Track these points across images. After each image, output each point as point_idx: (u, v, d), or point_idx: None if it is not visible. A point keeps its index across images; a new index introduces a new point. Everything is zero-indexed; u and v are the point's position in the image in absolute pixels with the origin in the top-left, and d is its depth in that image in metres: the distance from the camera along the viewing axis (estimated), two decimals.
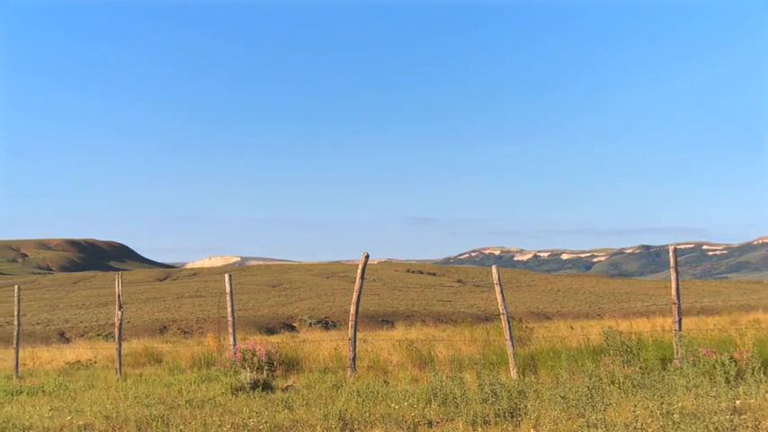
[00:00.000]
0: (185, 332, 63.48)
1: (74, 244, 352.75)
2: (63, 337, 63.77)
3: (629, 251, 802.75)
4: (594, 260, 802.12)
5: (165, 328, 68.54)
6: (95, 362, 24.59)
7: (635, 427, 9.35)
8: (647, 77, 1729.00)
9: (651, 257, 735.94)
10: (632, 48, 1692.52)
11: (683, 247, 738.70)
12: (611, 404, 11.05)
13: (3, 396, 16.27)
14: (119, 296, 20.24)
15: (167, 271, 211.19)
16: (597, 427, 9.49)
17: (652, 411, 9.94)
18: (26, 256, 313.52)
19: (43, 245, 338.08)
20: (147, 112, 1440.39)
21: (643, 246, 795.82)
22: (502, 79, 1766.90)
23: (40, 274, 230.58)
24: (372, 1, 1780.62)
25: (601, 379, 12.54)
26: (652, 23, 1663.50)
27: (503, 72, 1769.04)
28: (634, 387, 12.21)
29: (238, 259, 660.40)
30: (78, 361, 24.78)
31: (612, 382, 12.58)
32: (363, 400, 12.62)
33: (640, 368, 13.88)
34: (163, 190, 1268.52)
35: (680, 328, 15.31)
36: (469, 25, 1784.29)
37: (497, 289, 16.62)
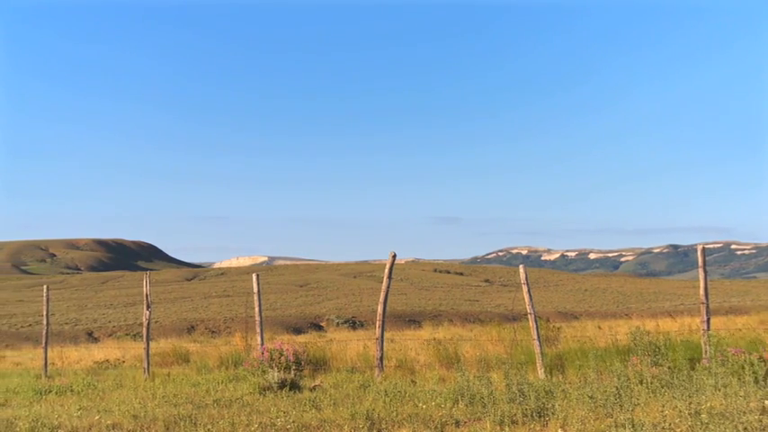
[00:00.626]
0: (213, 332, 63.66)
1: (102, 244, 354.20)
2: (91, 337, 64.06)
3: (657, 251, 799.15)
4: (622, 260, 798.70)
5: (192, 327, 68.76)
6: (123, 361, 24.68)
7: (663, 427, 9.32)
8: (674, 71, 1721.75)
9: (679, 257, 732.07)
10: (661, 38, 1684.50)
11: (711, 246, 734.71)
12: (639, 404, 11.00)
13: (32, 395, 16.36)
14: (147, 296, 20.31)
15: (195, 271, 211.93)
16: (625, 427, 9.46)
17: (680, 411, 9.90)
18: (55, 256, 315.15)
19: (72, 245, 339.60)
20: (174, 116, 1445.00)
21: (671, 245, 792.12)
22: (526, 76, 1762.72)
23: (68, 273, 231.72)
24: (394, 1, 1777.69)
25: (629, 379, 12.48)
26: (679, 13, 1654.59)
27: (526, 69, 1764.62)
28: (662, 387, 12.16)
29: (266, 259, 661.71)
30: (106, 360, 24.88)
31: (640, 382, 12.53)
32: (391, 400, 12.62)
33: (668, 368, 13.81)
34: (191, 190, 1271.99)
35: (708, 327, 15.24)
36: (492, 22, 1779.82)
37: (524, 288, 16.59)
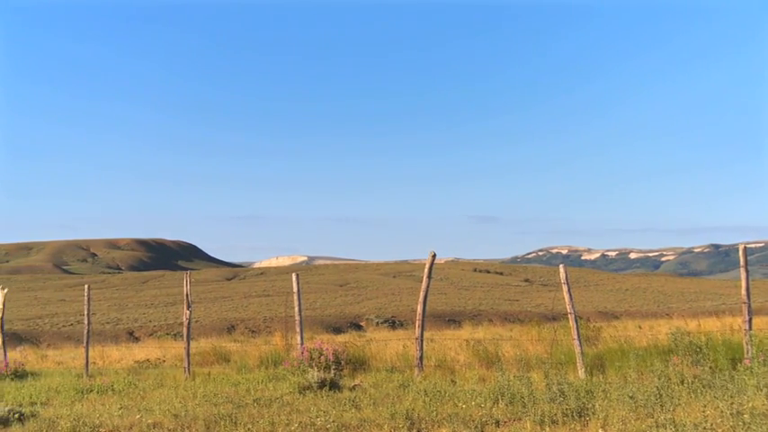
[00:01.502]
0: (253, 331, 63.83)
1: (143, 244, 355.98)
2: (132, 336, 64.45)
3: (698, 250, 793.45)
4: (663, 259, 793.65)
5: (232, 327, 68.99)
6: (164, 361, 24.79)
7: (704, 428, 9.27)
8: (718, 63, 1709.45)
9: (720, 256, 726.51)
10: (706, 22, 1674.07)
11: (753, 245, 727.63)
12: (680, 404, 10.96)
13: (73, 394, 16.47)
14: (187, 295, 20.40)
15: (235, 270, 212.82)
16: (666, 428, 9.42)
17: (722, 411, 9.85)
18: (96, 255, 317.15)
19: (113, 245, 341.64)
20: (213, 122, 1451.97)
21: (712, 245, 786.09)
22: (560, 70, 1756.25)
23: (109, 273, 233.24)
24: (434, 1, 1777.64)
25: (669, 379, 12.44)
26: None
27: (559, 62, 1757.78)
28: (703, 387, 12.09)
29: (305, 258, 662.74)
30: (147, 360, 25.00)
31: (681, 382, 12.47)
32: (430, 400, 12.63)
33: (710, 368, 13.74)
34: (231, 191, 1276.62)
35: (750, 327, 15.13)
36: (518, 18, 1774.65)
37: (565, 288, 16.55)
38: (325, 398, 13.80)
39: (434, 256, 17.25)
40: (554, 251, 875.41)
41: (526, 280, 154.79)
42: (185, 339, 20.28)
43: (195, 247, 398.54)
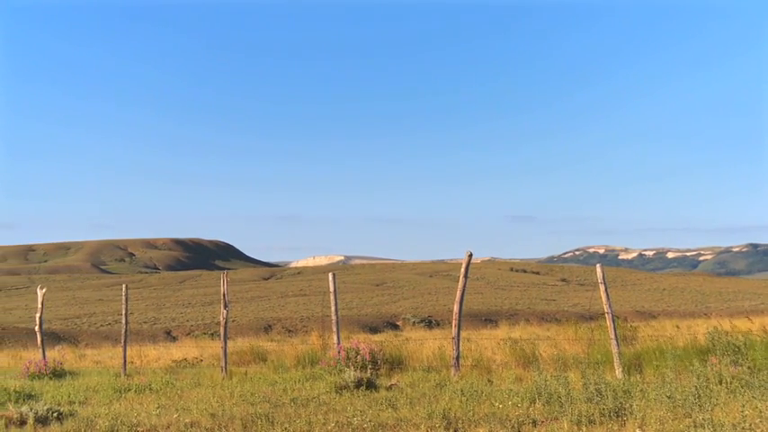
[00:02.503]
0: (290, 331, 64.01)
1: (180, 243, 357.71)
2: (169, 336, 64.74)
3: (737, 249, 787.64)
4: (701, 258, 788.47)
5: (269, 326, 69.20)
6: (201, 360, 24.89)
7: (743, 428, 9.23)
8: (753, 55, 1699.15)
9: (759, 256, 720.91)
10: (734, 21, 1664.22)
11: None
12: (718, 404, 10.91)
13: (111, 393, 16.56)
14: (224, 295, 20.48)
15: (272, 270, 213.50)
16: (704, 428, 9.38)
17: (761, 412, 9.81)
18: (134, 255, 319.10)
19: (150, 244, 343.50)
20: (247, 125, 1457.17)
21: (750, 244, 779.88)
22: (589, 65, 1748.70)
23: (147, 273, 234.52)
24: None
25: (708, 379, 12.37)
26: None
27: (585, 59, 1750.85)
28: (742, 387, 12.03)
29: (342, 258, 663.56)
30: (185, 359, 25.10)
31: (719, 382, 12.41)
32: (467, 399, 12.63)
33: (748, 368, 13.68)
34: (268, 190, 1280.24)
35: None
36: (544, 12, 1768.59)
37: (602, 288, 16.50)
38: (361, 397, 13.83)
39: (471, 255, 17.24)
40: (591, 251, 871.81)
41: (563, 279, 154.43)
42: (222, 339, 20.35)
43: (232, 246, 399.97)
